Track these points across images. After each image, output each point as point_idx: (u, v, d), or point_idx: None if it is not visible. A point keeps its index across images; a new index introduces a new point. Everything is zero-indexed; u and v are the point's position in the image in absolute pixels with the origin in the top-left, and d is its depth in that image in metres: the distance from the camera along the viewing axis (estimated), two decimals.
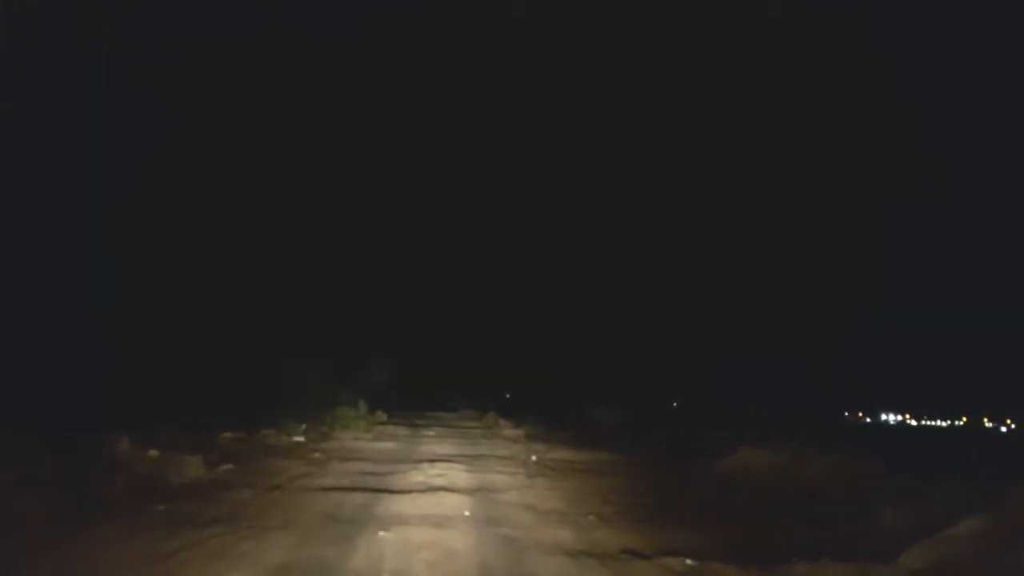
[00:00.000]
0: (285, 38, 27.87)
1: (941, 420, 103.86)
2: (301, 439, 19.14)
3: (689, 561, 7.12)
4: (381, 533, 7.82)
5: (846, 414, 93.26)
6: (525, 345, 47.78)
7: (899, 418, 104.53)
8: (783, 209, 43.84)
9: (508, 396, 45.18)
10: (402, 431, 23.30)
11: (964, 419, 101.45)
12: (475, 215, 42.38)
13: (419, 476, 12.72)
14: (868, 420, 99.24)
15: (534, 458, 17.12)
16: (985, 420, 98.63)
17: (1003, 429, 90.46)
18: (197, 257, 22.75)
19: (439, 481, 12.13)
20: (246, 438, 18.19)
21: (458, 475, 13.13)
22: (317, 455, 15.65)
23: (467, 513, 9.33)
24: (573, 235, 44.63)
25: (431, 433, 22.93)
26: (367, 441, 19.62)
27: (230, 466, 12.75)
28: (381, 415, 27.69)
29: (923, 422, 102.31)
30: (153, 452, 12.33)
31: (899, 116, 40.32)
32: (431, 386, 43.03)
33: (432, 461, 15.03)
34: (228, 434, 17.96)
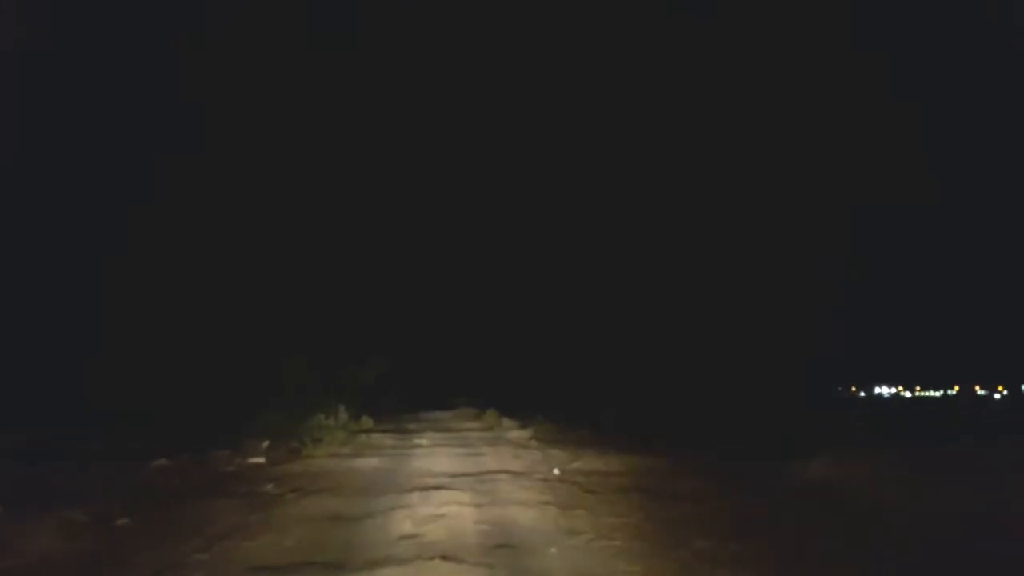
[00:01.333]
0: (283, 36, 25.44)
1: (934, 390, 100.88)
2: (260, 460, 14.71)
3: None
4: None
5: (839, 388, 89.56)
6: (520, 334, 43.24)
7: (893, 391, 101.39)
8: (771, 190, 39.79)
9: (502, 387, 40.74)
10: (389, 440, 18.87)
11: (956, 388, 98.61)
12: (472, 205, 37.88)
13: (406, 522, 8.33)
14: (863, 394, 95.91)
15: (557, 471, 12.80)
16: (977, 388, 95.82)
17: (996, 396, 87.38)
18: (189, 251, 20.92)
19: (435, 532, 7.76)
20: (188, 463, 13.81)
21: (462, 514, 8.78)
22: (270, 487, 11.24)
23: None
24: (565, 224, 40.18)
25: (424, 441, 18.53)
26: (344, 458, 15.19)
27: (124, 521, 8.35)
28: (366, 421, 23.23)
29: (917, 393, 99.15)
30: None
31: (891, 115, 36.73)
32: (422, 383, 38.63)
33: (425, 489, 10.64)
34: (162, 461, 13.57)
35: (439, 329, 41.73)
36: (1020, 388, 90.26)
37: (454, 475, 12.23)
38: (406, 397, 36.27)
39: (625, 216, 40.55)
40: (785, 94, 38.35)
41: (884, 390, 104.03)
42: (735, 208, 39.92)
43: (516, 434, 20.03)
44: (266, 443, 16.28)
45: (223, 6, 22.87)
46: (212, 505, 9.67)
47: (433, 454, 15.65)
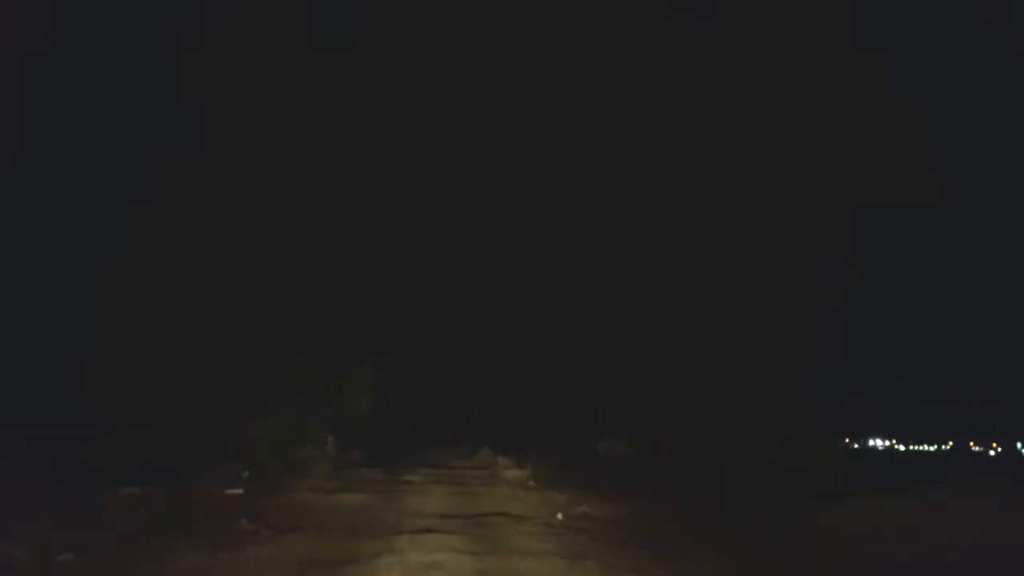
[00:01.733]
0: (283, 36, 24.31)
1: (928, 445, 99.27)
2: (238, 491, 13.50)
3: None
4: None
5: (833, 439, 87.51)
6: (511, 369, 41.60)
7: (887, 443, 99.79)
8: (763, 222, 38.66)
9: (493, 426, 39.26)
10: (378, 475, 17.61)
11: (951, 443, 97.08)
12: (469, 214, 36.09)
13: (393, 571, 7.19)
14: (856, 446, 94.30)
15: (560, 516, 11.64)
16: (972, 444, 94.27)
17: (991, 453, 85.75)
18: (189, 251, 20.14)
19: None
20: (160, 491, 12.62)
21: (458, 563, 7.61)
22: (244, 522, 10.06)
23: None
24: (559, 226, 38.28)
25: (415, 478, 17.30)
26: (329, 493, 13.96)
27: (68, 558, 7.21)
28: (354, 453, 22.00)
29: (911, 447, 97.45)
30: None
31: (890, 117, 36.08)
32: (414, 417, 37.21)
33: (416, 532, 9.49)
34: (133, 489, 12.38)
35: (431, 363, 40.20)
36: (1015, 445, 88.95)
37: (448, 516, 11.07)
38: (397, 432, 34.93)
39: (625, 220, 39.06)
40: (785, 94, 37.52)
41: (878, 442, 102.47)
42: (735, 210, 38.68)
43: (512, 473, 18.83)
44: (247, 472, 15.07)
45: (223, 6, 22.10)
46: (176, 541, 8.50)
47: (425, 493, 14.46)
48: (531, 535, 9.68)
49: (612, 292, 40.25)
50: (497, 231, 38.19)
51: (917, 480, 15.67)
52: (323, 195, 25.13)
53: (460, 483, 16.41)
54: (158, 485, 12.78)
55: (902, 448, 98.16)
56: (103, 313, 17.74)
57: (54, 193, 17.56)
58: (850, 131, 37.02)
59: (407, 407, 31.49)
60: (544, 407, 38.62)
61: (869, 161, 36.52)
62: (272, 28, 23.63)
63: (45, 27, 16.72)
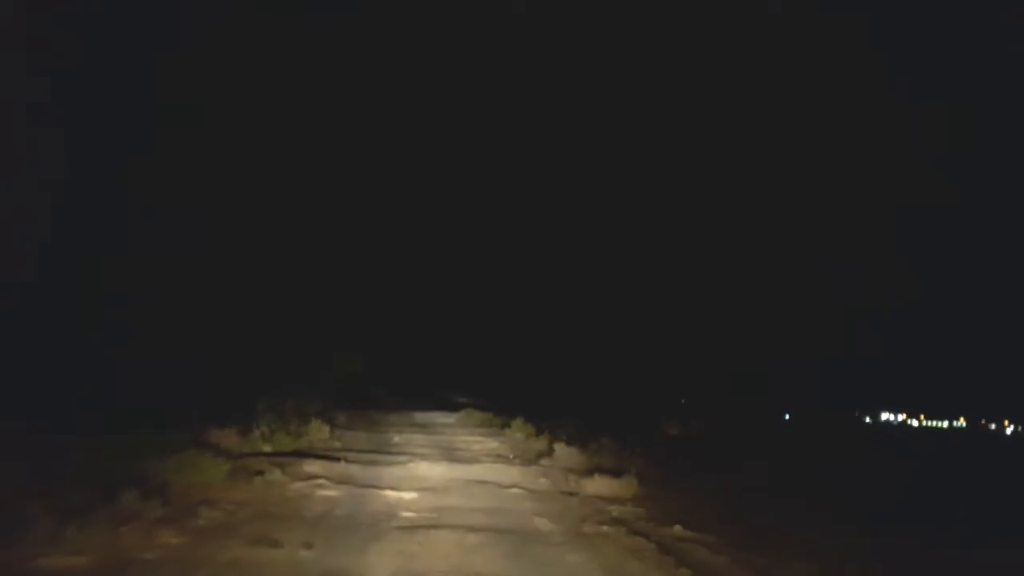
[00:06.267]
0: (283, 35, 24.89)
1: (938, 421, 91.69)
2: None
3: None
4: None
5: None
6: (536, 321, 34.38)
7: (900, 418, 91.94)
8: (781, 207, 37.35)
9: (518, 381, 30.79)
10: (333, 492, 7.99)
11: (963, 420, 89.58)
12: (473, 196, 34.49)
13: None
14: (868, 420, 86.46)
15: None
16: (983, 422, 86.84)
17: (1008, 432, 77.80)
18: (188, 252, 19.70)
19: None
20: None
21: None
22: None
23: None
24: (572, 228, 36.21)
25: (409, 496, 7.80)
26: None
27: None
28: (317, 429, 12.55)
29: (924, 423, 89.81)
30: None
31: (890, 117, 34.32)
32: (418, 372, 29.00)
33: None
34: None
35: (439, 313, 33.47)
36: None
37: None
38: (396, 389, 26.19)
39: (626, 218, 36.36)
40: (785, 94, 35.75)
41: (891, 417, 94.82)
42: (742, 212, 36.86)
43: (600, 486, 9.26)
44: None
45: (223, 5, 22.48)
46: None
47: (430, 556, 4.94)
48: None
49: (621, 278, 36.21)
50: (500, 210, 35.56)
51: None
52: (325, 196, 25.97)
53: (511, 531, 6.86)
54: None
55: (915, 423, 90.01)
56: (103, 313, 17.48)
57: (54, 192, 17.19)
58: (850, 131, 35.80)
59: (397, 403, 24.24)
60: (580, 377, 29.84)
61: (870, 161, 35.42)
62: (272, 27, 24.07)
63: (46, 27, 16.66)
